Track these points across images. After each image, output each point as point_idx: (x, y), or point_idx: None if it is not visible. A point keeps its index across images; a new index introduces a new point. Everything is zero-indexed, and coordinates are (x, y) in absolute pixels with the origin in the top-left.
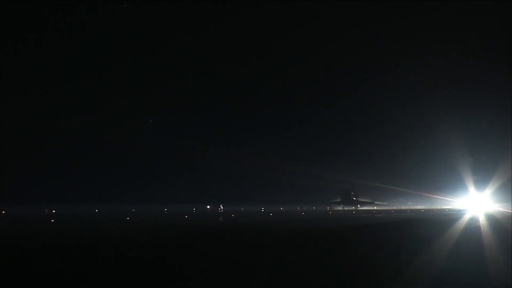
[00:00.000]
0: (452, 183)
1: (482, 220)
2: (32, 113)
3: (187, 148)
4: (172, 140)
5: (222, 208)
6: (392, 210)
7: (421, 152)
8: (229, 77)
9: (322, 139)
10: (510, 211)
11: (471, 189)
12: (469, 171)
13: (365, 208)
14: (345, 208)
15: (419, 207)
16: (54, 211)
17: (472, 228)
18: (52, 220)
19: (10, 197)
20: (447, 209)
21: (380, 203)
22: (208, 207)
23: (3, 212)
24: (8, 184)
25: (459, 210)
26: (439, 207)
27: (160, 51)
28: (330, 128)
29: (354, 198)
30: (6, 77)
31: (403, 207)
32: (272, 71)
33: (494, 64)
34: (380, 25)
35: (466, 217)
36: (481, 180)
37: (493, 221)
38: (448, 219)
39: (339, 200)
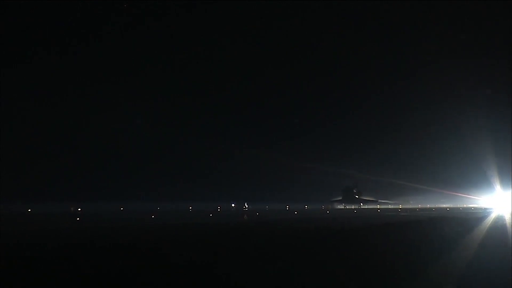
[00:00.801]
0: (477, 181)
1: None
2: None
3: (212, 147)
4: (198, 139)
5: (247, 206)
6: (417, 208)
7: (444, 150)
8: (260, 80)
9: (344, 139)
10: None
11: (497, 187)
12: (495, 169)
13: (389, 206)
14: (346, 207)
15: (443, 205)
16: (79, 209)
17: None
18: (78, 218)
19: (35, 195)
20: (473, 207)
21: (384, 201)
22: (233, 205)
23: (29, 210)
24: (32, 182)
25: (485, 208)
26: (464, 206)
27: (186, 53)
28: (353, 129)
29: (357, 196)
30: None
31: (428, 206)
32: (296, 72)
33: None
34: (402, 26)
35: (501, 216)
36: (507, 178)
37: None
38: (481, 217)
39: (340, 198)
